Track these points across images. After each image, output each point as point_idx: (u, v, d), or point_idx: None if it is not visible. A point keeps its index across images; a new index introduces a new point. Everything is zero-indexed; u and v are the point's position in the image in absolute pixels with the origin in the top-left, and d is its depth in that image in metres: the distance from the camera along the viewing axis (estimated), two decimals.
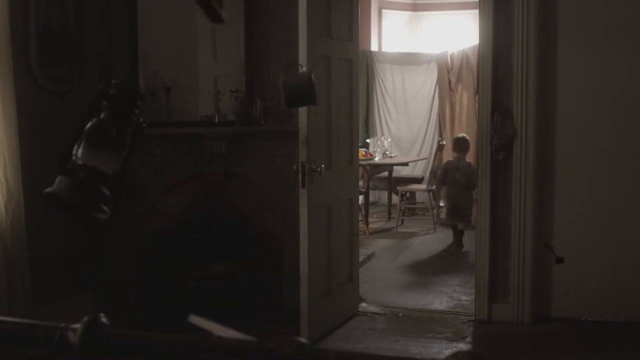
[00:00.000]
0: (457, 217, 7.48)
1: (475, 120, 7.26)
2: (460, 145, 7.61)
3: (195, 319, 1.26)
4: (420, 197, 9.33)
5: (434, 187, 8.31)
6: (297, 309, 4.52)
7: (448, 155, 8.97)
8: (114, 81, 1.11)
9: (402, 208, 8.72)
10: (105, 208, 1.12)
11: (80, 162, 1.10)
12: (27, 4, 4.46)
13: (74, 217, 1.13)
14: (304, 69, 4.12)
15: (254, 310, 4.99)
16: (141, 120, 1.19)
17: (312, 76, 4.01)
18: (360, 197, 7.47)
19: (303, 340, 1.01)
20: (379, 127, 10.13)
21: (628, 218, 4.93)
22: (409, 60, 10.16)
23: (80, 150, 1.10)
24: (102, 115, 1.15)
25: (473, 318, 5.07)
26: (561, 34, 4.90)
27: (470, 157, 7.64)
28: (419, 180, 9.26)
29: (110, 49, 5.20)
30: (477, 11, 5.08)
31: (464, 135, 7.94)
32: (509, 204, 4.95)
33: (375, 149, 9.02)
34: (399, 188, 8.83)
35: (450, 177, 7.54)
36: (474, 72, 8.98)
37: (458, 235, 7.51)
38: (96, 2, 5.06)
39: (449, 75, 9.72)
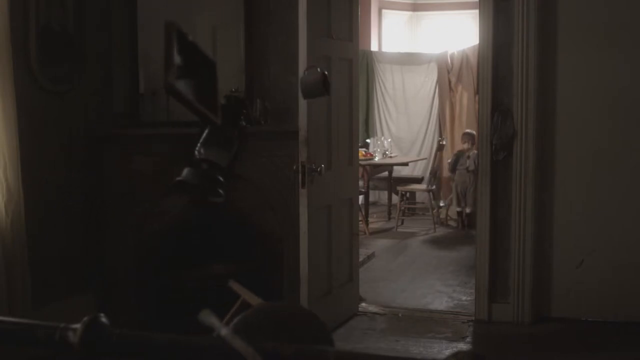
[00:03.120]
0: (466, 201, 8.42)
1: (475, 120, 7.37)
2: (470, 138, 8.56)
3: (234, 284, 1.49)
4: (420, 197, 9.34)
5: (434, 187, 8.62)
6: None
7: (448, 155, 9.04)
8: (225, 95, 1.43)
9: (402, 208, 8.73)
10: (221, 192, 1.43)
11: (202, 157, 1.43)
12: (27, 4, 4.46)
13: (197, 198, 1.50)
14: (318, 69, 4.51)
15: None
16: (245, 124, 1.54)
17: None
18: (360, 197, 7.47)
19: (304, 307, 1.03)
20: (379, 127, 10.13)
21: (628, 218, 4.93)
22: (409, 60, 10.16)
23: (202, 148, 1.44)
24: None
25: (473, 318, 5.07)
26: (561, 34, 4.90)
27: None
28: (419, 180, 9.27)
29: (110, 49, 5.20)
30: (477, 11, 5.08)
31: (470, 130, 8.67)
32: (509, 204, 4.95)
33: (375, 149, 9.02)
34: (399, 188, 8.84)
35: (462, 163, 8.48)
36: (474, 72, 9.00)
37: (466, 218, 8.36)
38: (96, 2, 5.06)
39: (449, 75, 9.73)
